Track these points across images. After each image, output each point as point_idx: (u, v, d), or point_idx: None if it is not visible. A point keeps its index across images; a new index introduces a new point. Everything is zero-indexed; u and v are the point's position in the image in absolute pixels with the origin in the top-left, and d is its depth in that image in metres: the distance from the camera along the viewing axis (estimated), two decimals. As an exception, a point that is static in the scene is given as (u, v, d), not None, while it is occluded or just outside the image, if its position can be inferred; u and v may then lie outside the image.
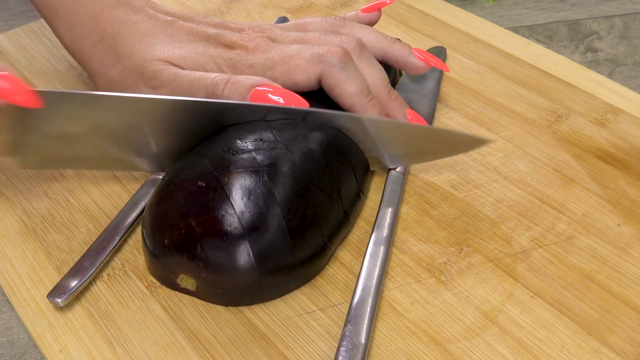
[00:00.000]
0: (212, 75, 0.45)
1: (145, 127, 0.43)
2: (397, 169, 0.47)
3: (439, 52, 0.58)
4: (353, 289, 0.39)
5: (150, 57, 0.46)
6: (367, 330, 0.36)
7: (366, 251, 0.41)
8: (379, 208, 0.44)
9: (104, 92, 0.43)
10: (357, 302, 0.38)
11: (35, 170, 0.48)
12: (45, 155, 0.44)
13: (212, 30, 0.48)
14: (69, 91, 0.41)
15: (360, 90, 0.45)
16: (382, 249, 0.41)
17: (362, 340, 0.36)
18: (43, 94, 0.39)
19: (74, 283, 0.39)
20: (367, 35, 0.49)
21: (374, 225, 0.42)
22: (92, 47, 0.48)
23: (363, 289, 0.38)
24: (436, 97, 0.54)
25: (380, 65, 0.48)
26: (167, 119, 0.43)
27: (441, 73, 0.56)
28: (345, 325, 0.37)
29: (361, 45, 0.47)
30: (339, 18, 0.50)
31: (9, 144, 0.41)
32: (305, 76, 0.45)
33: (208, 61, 0.46)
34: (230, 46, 0.47)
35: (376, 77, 0.46)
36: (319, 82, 0.45)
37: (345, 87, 0.45)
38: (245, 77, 0.44)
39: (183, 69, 0.46)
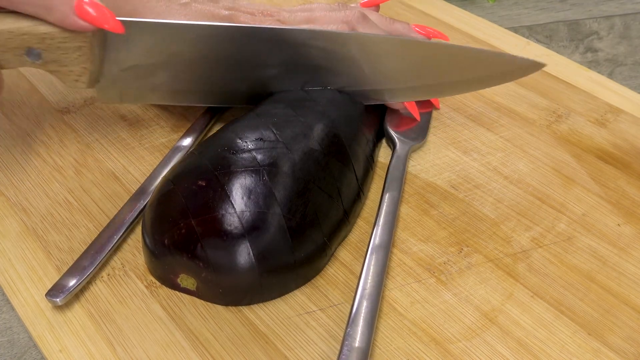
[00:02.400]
0: (268, 21, 0.48)
1: (217, 58, 0.46)
2: (395, 168, 0.46)
3: None
4: (354, 290, 0.39)
5: None
6: (368, 333, 0.36)
7: (366, 252, 0.41)
8: (379, 207, 0.44)
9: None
10: (357, 305, 0.38)
11: (115, 104, 0.51)
12: (122, 88, 0.47)
13: (225, 12, 0.50)
14: (149, 20, 0.44)
15: None
16: (382, 250, 0.41)
17: (364, 344, 0.36)
18: (125, 23, 0.42)
19: (72, 282, 0.39)
20: (370, 15, 0.52)
21: (374, 225, 0.42)
22: None
23: (363, 291, 0.38)
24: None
25: (384, 31, 0.50)
26: (238, 48, 0.46)
27: None
28: (347, 327, 0.36)
29: (364, 16, 0.50)
30: (342, 4, 0.52)
31: (91, 74, 0.43)
32: None
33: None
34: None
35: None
36: None
37: None
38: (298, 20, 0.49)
39: None
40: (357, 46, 0.46)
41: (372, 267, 0.40)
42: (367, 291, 0.38)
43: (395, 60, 0.47)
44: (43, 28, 0.40)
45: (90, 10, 0.40)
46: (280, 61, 0.47)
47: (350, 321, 0.37)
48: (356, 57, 0.47)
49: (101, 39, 0.43)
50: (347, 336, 0.36)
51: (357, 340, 0.36)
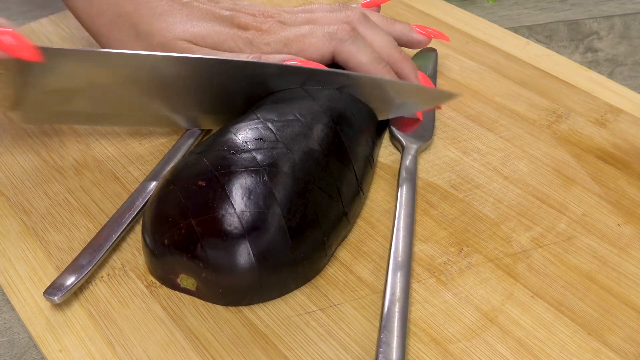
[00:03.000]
0: (244, 55, 0.47)
1: (144, 84, 0.45)
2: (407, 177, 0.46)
3: (429, 56, 0.58)
4: (380, 310, 0.39)
5: (172, 37, 0.48)
6: (401, 344, 0.36)
7: (388, 265, 0.40)
8: (395, 216, 0.43)
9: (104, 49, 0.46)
10: (387, 314, 0.37)
11: (36, 125, 0.50)
12: (45, 111, 0.46)
13: (226, 12, 0.50)
14: (68, 48, 0.43)
15: (373, 59, 0.48)
16: (404, 267, 0.40)
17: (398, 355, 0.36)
18: (44, 50, 0.41)
19: (70, 281, 0.39)
20: (371, 16, 0.52)
21: (392, 235, 0.42)
22: (110, 24, 0.49)
23: (391, 309, 0.38)
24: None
25: (385, 31, 0.51)
26: (167, 78, 0.45)
27: (435, 65, 0.57)
28: (380, 333, 0.36)
29: (365, 16, 0.51)
30: (343, 4, 0.53)
31: (11, 98, 0.43)
32: (320, 53, 0.49)
33: (226, 39, 0.49)
34: (244, 27, 0.49)
35: (384, 41, 0.50)
36: (332, 58, 0.49)
37: (358, 59, 0.48)
38: (274, 56, 0.47)
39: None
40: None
41: (397, 284, 0.39)
42: (397, 311, 0.38)
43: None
44: None
45: (7, 39, 0.40)
46: (208, 90, 0.47)
47: (382, 327, 0.37)
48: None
49: (21, 65, 0.42)
50: (380, 342, 0.36)
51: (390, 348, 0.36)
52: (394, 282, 0.39)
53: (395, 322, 0.37)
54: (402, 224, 0.42)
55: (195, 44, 0.48)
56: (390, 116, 0.50)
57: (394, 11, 0.65)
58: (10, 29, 0.40)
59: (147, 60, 0.45)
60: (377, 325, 0.38)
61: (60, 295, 0.38)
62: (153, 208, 0.40)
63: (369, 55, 0.48)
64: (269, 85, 0.46)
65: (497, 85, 0.56)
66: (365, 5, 0.55)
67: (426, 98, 0.50)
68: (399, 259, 0.40)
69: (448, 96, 0.51)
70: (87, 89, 0.45)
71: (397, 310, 0.37)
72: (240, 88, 0.46)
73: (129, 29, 0.49)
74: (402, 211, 0.43)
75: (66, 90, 0.45)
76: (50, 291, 0.39)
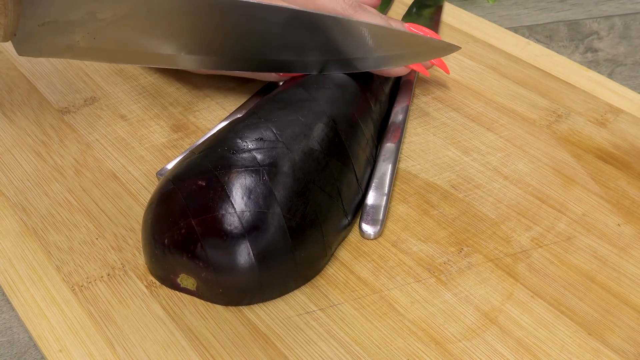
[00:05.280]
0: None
1: (143, 20, 0.45)
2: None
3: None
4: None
5: None
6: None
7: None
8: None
9: None
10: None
11: (32, 57, 0.48)
12: (41, 43, 0.45)
13: None
14: None
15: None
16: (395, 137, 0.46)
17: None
18: None
19: None
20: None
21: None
22: None
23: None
24: None
25: (381, 15, 0.51)
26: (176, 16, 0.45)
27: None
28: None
29: (361, 4, 0.50)
30: None
31: (5, 27, 0.42)
32: None
33: None
34: None
35: (379, 23, 0.49)
36: None
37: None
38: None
39: None
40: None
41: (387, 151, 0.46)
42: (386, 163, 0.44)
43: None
44: None
45: None
46: (222, 32, 0.47)
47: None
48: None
49: None
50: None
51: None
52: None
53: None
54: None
55: None
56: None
57: (394, 11, 0.65)
58: None
59: None
60: (377, 326, 0.38)
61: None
62: (153, 208, 0.40)
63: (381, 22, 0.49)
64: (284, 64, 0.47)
65: (497, 85, 0.56)
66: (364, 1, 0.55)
67: (423, 48, 0.49)
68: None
69: (447, 48, 0.50)
70: (85, 22, 0.44)
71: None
72: (244, 31, 0.46)
73: None
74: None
75: (63, 22, 0.44)
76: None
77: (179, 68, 0.49)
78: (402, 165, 0.49)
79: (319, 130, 0.43)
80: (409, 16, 0.64)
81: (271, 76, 0.51)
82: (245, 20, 0.46)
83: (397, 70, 0.50)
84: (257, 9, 0.46)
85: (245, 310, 0.39)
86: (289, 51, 0.48)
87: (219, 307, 0.39)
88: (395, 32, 0.49)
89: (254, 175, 0.39)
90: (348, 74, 0.49)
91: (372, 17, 0.50)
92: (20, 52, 0.46)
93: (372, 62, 0.49)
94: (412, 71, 0.55)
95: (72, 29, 0.45)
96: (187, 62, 0.48)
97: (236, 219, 0.37)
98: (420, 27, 0.53)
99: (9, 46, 0.60)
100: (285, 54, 0.49)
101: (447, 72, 0.54)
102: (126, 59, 0.48)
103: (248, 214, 0.37)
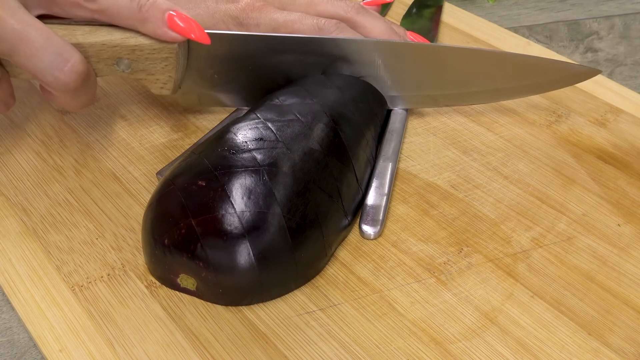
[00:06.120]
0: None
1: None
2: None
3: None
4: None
5: None
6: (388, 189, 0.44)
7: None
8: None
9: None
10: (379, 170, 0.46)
11: (190, 107, 0.53)
12: (201, 94, 0.50)
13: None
14: (231, 32, 0.48)
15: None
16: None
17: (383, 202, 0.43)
18: (210, 34, 0.44)
19: None
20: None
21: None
22: None
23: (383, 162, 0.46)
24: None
25: (383, 18, 0.52)
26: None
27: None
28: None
29: (364, 7, 0.52)
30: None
31: (175, 81, 0.45)
32: None
33: (218, 22, 0.50)
34: (237, 2, 0.50)
35: (383, 27, 0.51)
36: None
37: None
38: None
39: None
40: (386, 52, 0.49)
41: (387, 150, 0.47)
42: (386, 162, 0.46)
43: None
44: (134, 40, 0.43)
45: (180, 22, 0.42)
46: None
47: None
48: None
49: (185, 48, 0.45)
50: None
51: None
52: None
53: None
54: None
55: None
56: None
57: (394, 11, 0.65)
58: (181, 13, 0.43)
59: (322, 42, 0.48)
60: (377, 326, 0.38)
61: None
62: (153, 208, 0.40)
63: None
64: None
65: (497, 85, 0.56)
66: (366, 4, 0.55)
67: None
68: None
69: (587, 73, 0.50)
70: (239, 75, 0.49)
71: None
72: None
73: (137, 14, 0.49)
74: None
75: (223, 73, 0.48)
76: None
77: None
78: (402, 165, 0.49)
79: (319, 130, 0.43)
80: (409, 16, 0.63)
81: None
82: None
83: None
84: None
85: (245, 310, 0.39)
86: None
87: (219, 307, 0.39)
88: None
89: (254, 175, 0.39)
90: (348, 74, 0.49)
91: (374, 21, 0.50)
92: (185, 103, 0.51)
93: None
94: None
95: (231, 80, 0.49)
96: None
97: (236, 219, 0.37)
98: (419, 36, 0.53)
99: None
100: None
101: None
102: (236, 103, 0.52)
103: (248, 214, 0.37)
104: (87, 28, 0.43)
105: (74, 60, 0.41)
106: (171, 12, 0.42)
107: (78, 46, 0.42)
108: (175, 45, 0.43)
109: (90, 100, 0.44)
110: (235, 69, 0.49)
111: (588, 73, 0.50)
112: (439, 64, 0.50)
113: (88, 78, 0.42)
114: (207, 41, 0.43)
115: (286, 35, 0.48)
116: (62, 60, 0.40)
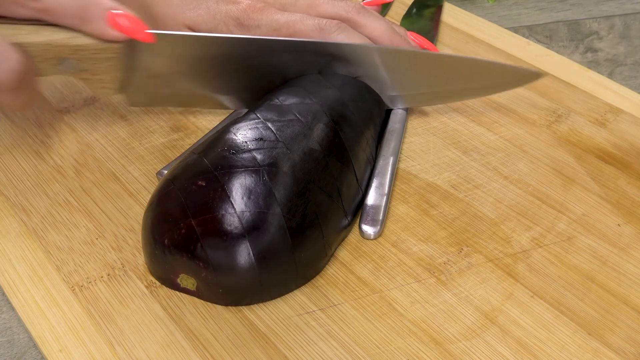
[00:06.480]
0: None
1: (234, 66, 0.49)
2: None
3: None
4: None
5: (174, 23, 0.50)
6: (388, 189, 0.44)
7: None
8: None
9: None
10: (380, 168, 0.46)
11: (138, 107, 0.52)
12: (149, 94, 0.49)
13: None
14: (178, 33, 0.47)
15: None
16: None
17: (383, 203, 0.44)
18: (155, 34, 0.44)
19: None
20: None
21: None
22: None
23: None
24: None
25: (384, 18, 0.52)
26: (253, 58, 0.48)
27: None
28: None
29: (364, 7, 0.52)
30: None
31: (118, 81, 0.45)
32: None
33: (219, 23, 0.50)
34: (237, 2, 0.50)
35: (384, 27, 0.51)
36: None
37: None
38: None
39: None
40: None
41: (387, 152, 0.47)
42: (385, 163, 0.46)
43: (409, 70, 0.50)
44: (78, 40, 0.43)
45: (123, 21, 0.42)
46: (300, 64, 0.49)
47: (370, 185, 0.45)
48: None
49: (130, 48, 0.44)
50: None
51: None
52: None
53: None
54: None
55: (193, 29, 0.50)
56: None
57: (394, 11, 0.65)
58: (125, 12, 0.42)
59: (260, 43, 0.47)
60: (377, 326, 0.38)
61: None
62: (153, 208, 0.40)
63: (361, 41, 0.49)
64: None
65: (497, 85, 0.56)
66: (366, 4, 0.55)
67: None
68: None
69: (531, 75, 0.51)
70: (189, 71, 0.48)
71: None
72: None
73: (143, 15, 0.49)
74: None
75: (168, 75, 0.47)
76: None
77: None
78: (402, 165, 0.49)
79: (319, 130, 0.43)
80: (409, 16, 0.63)
81: None
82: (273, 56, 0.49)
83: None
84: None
85: (245, 310, 0.39)
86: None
87: (219, 308, 0.39)
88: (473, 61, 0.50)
89: (254, 175, 0.39)
90: (348, 74, 0.49)
91: (375, 21, 0.50)
92: (132, 103, 0.50)
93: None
94: None
95: (177, 80, 0.48)
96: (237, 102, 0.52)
97: (236, 219, 0.37)
98: (420, 37, 0.53)
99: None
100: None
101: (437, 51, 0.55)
102: (230, 105, 0.51)
103: (248, 214, 0.37)
104: (31, 27, 0.42)
105: (14, 60, 0.40)
106: (113, 11, 0.42)
107: (21, 46, 0.41)
108: (119, 45, 0.43)
109: (31, 101, 0.44)
110: (186, 70, 0.48)
111: (534, 75, 0.51)
112: (394, 66, 0.50)
113: (28, 78, 0.42)
114: (151, 40, 0.43)
115: (246, 37, 0.48)
116: (1, 60, 0.40)
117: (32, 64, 0.42)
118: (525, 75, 0.51)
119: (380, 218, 0.44)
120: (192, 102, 0.51)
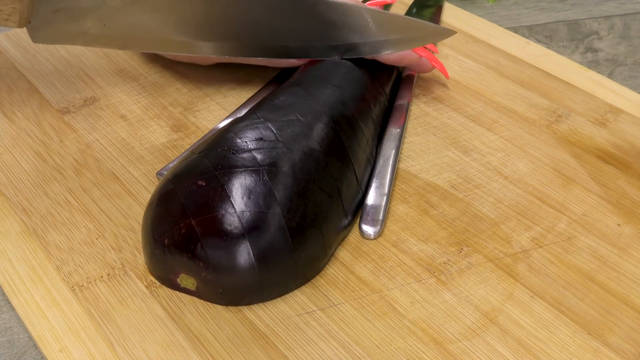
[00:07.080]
0: None
1: (154, 6, 0.46)
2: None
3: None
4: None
5: None
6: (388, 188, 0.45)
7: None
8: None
9: None
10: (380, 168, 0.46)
11: (46, 44, 0.49)
12: (54, 30, 0.47)
13: None
14: None
15: None
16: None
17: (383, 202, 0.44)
18: None
19: None
20: None
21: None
22: None
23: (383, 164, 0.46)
24: None
25: None
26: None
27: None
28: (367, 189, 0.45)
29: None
30: None
31: (21, 13, 0.43)
32: None
33: None
34: None
35: None
36: None
37: None
38: None
39: None
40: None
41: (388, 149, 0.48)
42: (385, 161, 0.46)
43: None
44: None
45: None
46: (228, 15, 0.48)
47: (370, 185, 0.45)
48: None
49: None
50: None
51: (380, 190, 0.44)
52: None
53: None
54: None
55: None
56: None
57: (394, 11, 0.65)
58: None
59: None
60: (377, 326, 0.38)
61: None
62: (153, 208, 0.40)
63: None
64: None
65: (497, 85, 0.56)
66: (369, 5, 0.55)
67: (420, 34, 0.50)
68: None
69: (442, 32, 0.51)
70: (96, 8, 0.46)
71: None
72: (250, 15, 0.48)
73: None
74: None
75: (75, 9, 0.46)
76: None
77: (193, 54, 0.50)
78: (402, 165, 0.49)
79: (319, 130, 0.43)
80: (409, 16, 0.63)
81: (289, 62, 0.52)
82: (249, 5, 0.47)
83: (395, 57, 0.51)
84: None
85: (245, 310, 0.39)
86: (294, 37, 0.49)
87: (219, 307, 0.39)
88: (393, 17, 0.49)
89: (254, 175, 0.39)
90: (348, 74, 0.49)
91: None
92: (35, 39, 0.47)
93: (370, 47, 0.50)
94: (413, 71, 0.55)
95: (84, 16, 0.46)
96: (202, 48, 0.49)
97: (236, 219, 0.37)
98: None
99: (8, 46, 0.60)
100: (291, 40, 0.49)
101: (447, 76, 0.54)
102: (138, 46, 0.49)
103: (248, 214, 0.37)
104: None
105: None
106: None
107: None
108: None
109: None
110: (91, 6, 0.46)
111: (444, 33, 0.51)
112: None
113: None
114: None
115: None
116: None
117: None
118: (439, 31, 0.51)
119: (380, 218, 0.44)
120: (105, 42, 0.48)
